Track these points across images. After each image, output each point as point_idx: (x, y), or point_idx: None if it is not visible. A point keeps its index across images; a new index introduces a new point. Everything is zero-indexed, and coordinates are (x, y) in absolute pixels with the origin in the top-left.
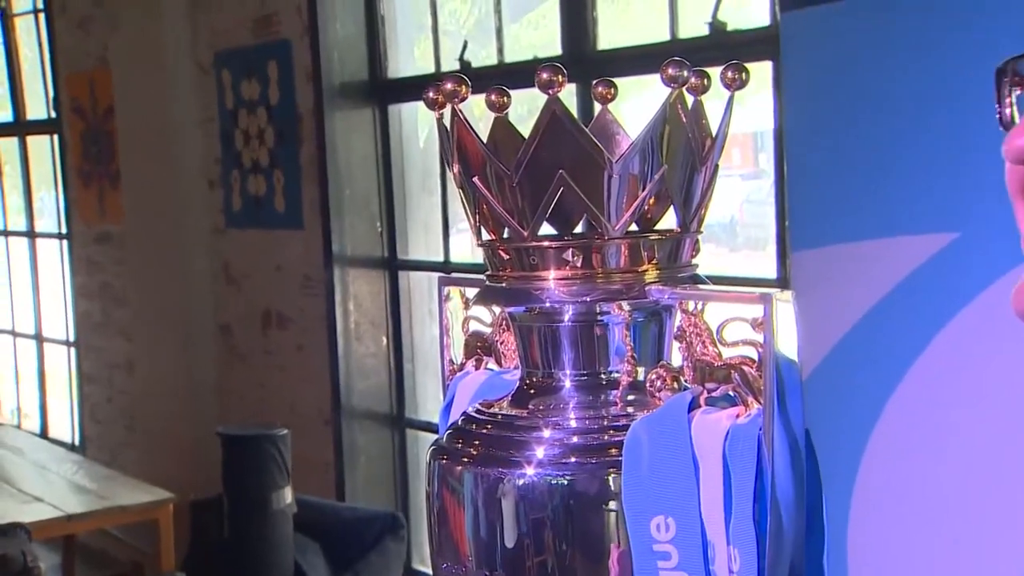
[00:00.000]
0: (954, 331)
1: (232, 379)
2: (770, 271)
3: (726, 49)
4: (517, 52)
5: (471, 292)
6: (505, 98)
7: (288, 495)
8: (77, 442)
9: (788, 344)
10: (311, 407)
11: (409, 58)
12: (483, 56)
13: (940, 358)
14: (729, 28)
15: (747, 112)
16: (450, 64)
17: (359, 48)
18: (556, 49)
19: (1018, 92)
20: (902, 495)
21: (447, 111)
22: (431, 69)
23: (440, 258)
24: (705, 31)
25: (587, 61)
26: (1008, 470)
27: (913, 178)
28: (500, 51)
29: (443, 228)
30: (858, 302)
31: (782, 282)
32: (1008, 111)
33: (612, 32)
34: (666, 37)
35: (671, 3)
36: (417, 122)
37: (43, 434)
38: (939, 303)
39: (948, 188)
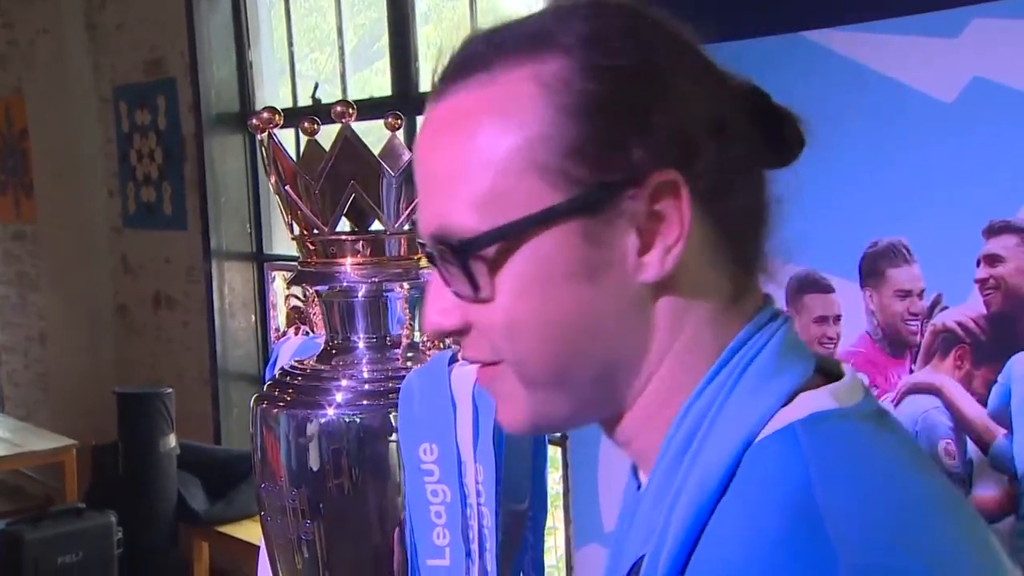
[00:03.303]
0: None
1: (129, 349)
2: None
3: None
4: (363, 92)
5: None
6: (316, 125)
7: (172, 440)
8: None
9: None
10: (194, 371)
11: (274, 94)
12: (335, 95)
13: None
14: None
15: None
16: (305, 100)
17: (232, 86)
18: (388, 91)
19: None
20: None
21: (265, 135)
22: (291, 104)
23: (298, 253)
24: None
25: (411, 100)
26: None
27: None
28: (344, 91)
29: None
30: None
31: None
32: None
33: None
34: None
35: None
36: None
37: None
38: None
39: None
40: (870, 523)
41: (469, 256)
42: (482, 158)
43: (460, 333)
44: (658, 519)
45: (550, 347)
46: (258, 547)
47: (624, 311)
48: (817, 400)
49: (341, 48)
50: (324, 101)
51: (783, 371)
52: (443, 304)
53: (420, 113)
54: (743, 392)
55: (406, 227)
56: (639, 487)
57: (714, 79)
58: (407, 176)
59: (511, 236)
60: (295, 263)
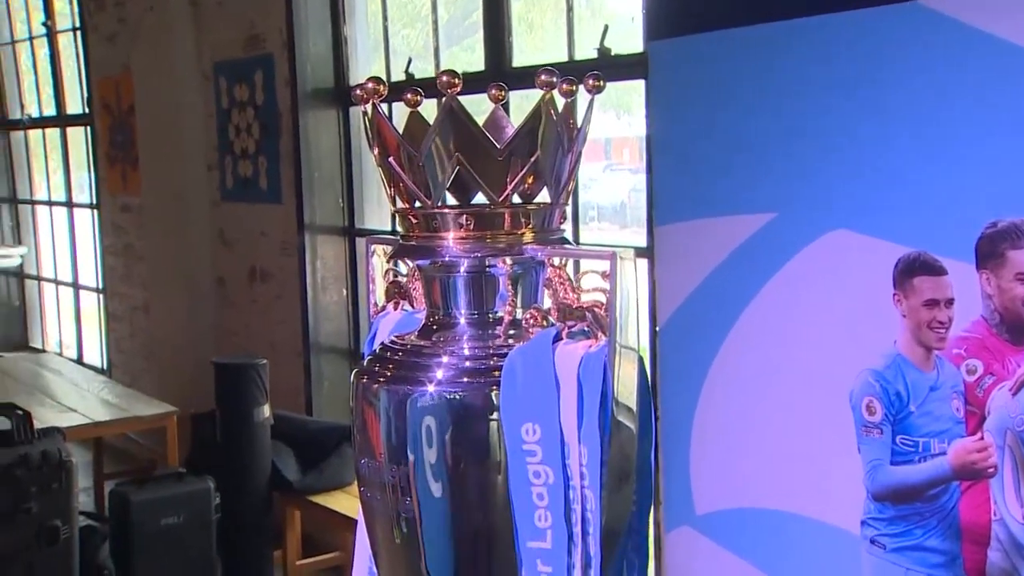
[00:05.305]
0: (774, 286)
1: (225, 320)
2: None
3: (610, 69)
4: (453, 67)
5: (391, 250)
6: (419, 96)
7: (267, 411)
8: (105, 367)
9: (628, 291)
10: (287, 343)
11: (367, 70)
12: (427, 71)
13: (763, 307)
14: (613, 53)
15: (637, 120)
16: (398, 75)
17: (327, 62)
18: (481, 66)
19: None
20: (732, 410)
21: (369, 106)
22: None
23: (388, 227)
24: (594, 55)
25: (504, 75)
26: (809, 386)
27: (745, 172)
28: (437, 66)
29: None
30: (704, 264)
31: (649, 250)
32: None
33: (524, 54)
34: (565, 58)
35: (569, 32)
36: None
37: (79, 360)
38: (762, 265)
39: (770, 180)
40: None
41: None
42: None
43: None
44: None
45: None
46: (347, 517)
47: None
48: None
49: (435, 23)
50: (416, 76)
51: None
52: None
53: (514, 87)
54: None
55: (511, 201)
56: None
57: None
58: (512, 148)
59: None
60: (395, 236)
